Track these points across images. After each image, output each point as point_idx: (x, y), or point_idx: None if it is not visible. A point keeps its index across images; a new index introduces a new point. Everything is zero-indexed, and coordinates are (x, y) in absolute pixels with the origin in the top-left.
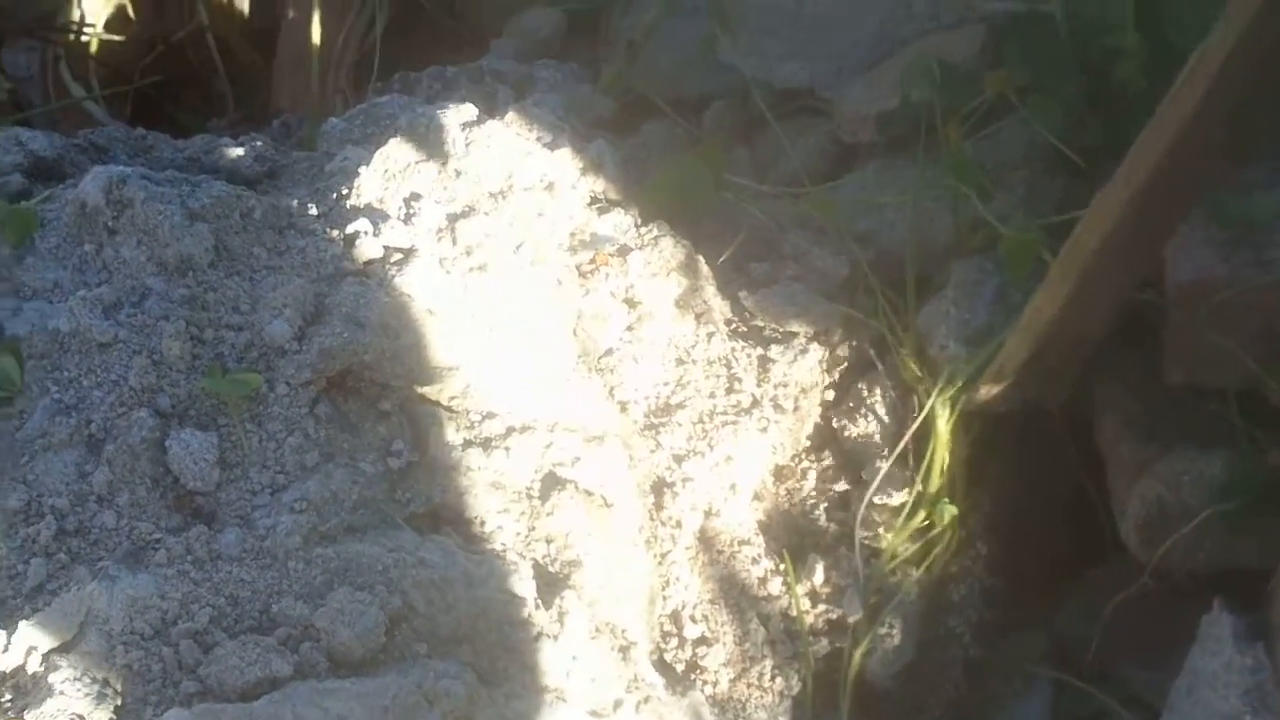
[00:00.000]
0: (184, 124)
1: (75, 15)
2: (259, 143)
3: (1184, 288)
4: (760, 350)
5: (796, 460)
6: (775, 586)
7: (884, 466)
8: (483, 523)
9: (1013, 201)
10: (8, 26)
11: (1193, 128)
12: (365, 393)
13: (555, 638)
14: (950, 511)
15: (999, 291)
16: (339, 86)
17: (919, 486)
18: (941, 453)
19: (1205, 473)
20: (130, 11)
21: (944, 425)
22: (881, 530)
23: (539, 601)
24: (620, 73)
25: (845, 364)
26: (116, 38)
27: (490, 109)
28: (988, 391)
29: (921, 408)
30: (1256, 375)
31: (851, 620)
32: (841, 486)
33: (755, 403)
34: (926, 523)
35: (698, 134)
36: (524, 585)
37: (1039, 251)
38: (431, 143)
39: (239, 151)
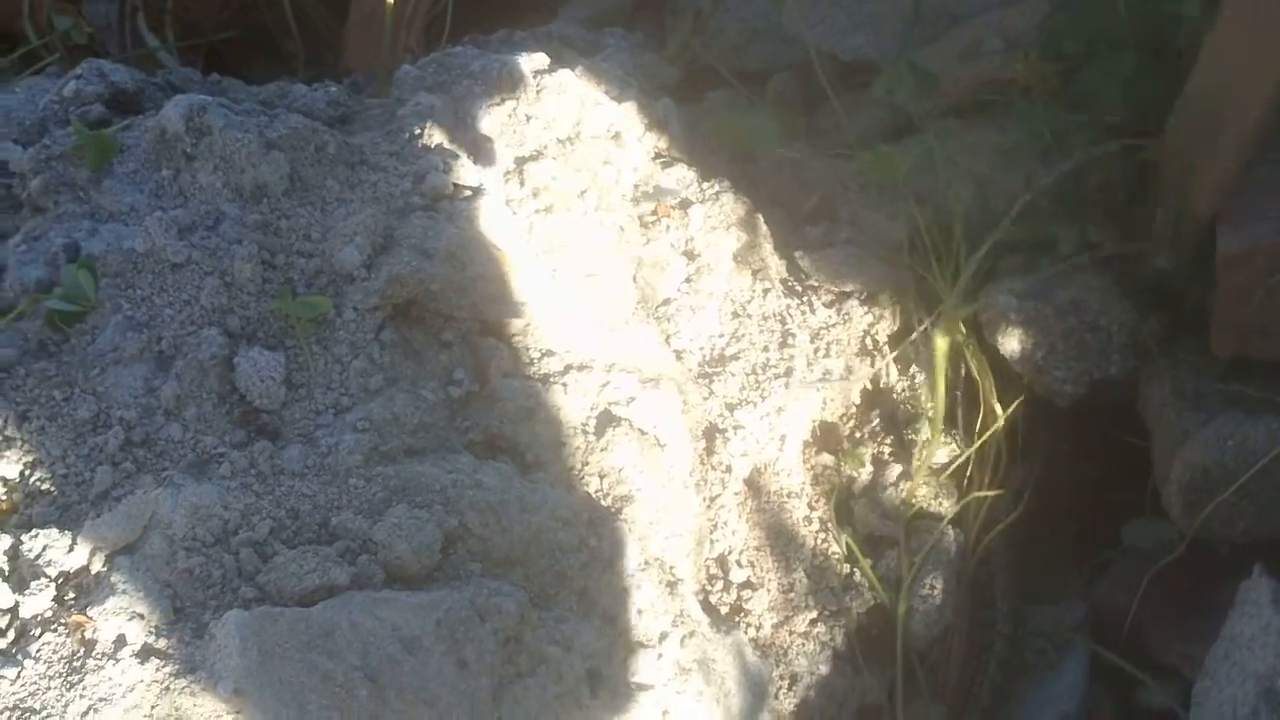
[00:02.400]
0: (256, 82)
1: None
2: (333, 88)
3: (1233, 258)
4: (814, 309)
5: (845, 418)
6: (820, 539)
7: (927, 428)
8: (538, 454)
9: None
10: None
11: None
12: (429, 323)
13: (605, 568)
14: None
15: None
16: (409, 47)
17: (964, 447)
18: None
19: (1249, 439)
20: None
21: (990, 387)
22: (926, 490)
23: (591, 531)
24: (686, 42)
25: (897, 326)
26: None
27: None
28: None
29: (969, 371)
30: None
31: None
32: (889, 445)
33: (808, 360)
34: (969, 483)
35: (761, 104)
36: (577, 514)
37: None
38: (504, 87)
39: (313, 95)
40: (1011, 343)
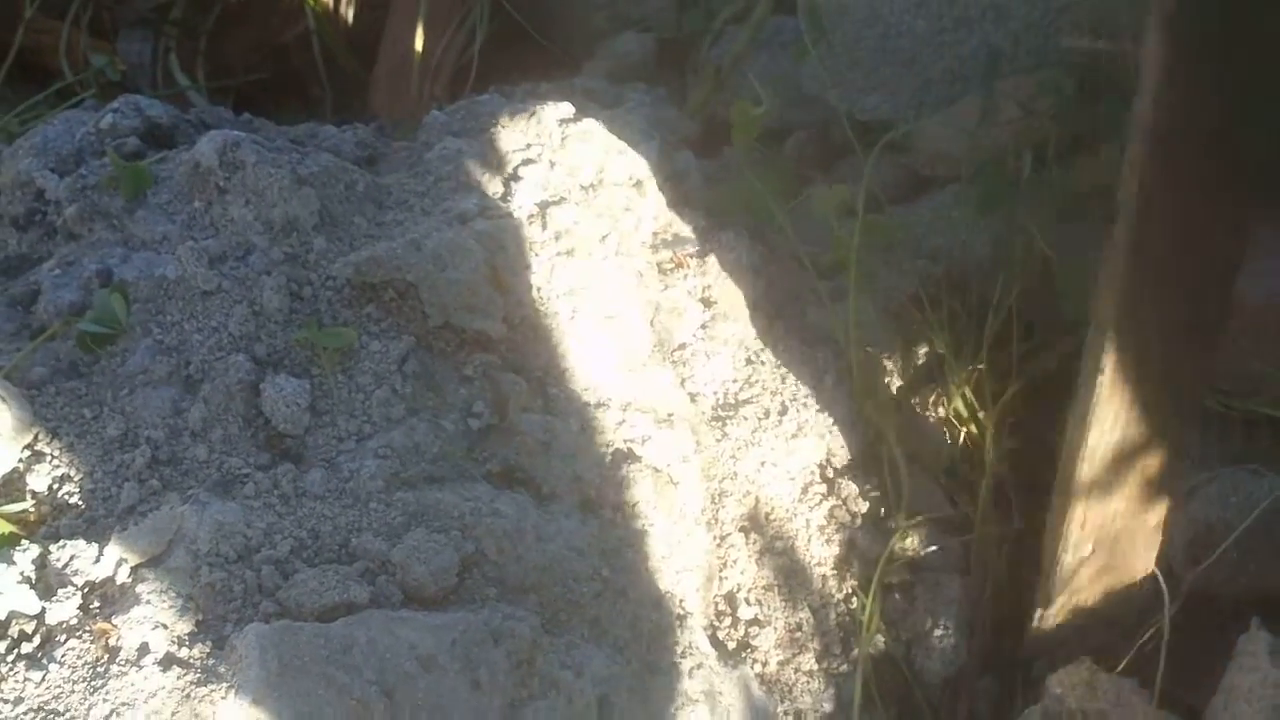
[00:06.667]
0: (284, 124)
1: (189, 11)
2: (361, 130)
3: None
4: (826, 358)
5: (853, 466)
6: (828, 580)
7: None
8: (554, 486)
9: (1085, 229)
10: (126, 15)
11: None
12: (452, 356)
13: (617, 598)
14: None
15: None
16: (435, 95)
17: (963, 499)
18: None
19: (1253, 496)
20: (241, 13)
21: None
22: (928, 538)
23: (604, 562)
24: (707, 97)
25: (906, 379)
26: (224, 37)
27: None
28: None
29: (972, 423)
30: None
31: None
32: (894, 493)
33: (818, 408)
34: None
35: (778, 161)
36: (591, 545)
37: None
38: (529, 134)
39: (341, 136)
40: None
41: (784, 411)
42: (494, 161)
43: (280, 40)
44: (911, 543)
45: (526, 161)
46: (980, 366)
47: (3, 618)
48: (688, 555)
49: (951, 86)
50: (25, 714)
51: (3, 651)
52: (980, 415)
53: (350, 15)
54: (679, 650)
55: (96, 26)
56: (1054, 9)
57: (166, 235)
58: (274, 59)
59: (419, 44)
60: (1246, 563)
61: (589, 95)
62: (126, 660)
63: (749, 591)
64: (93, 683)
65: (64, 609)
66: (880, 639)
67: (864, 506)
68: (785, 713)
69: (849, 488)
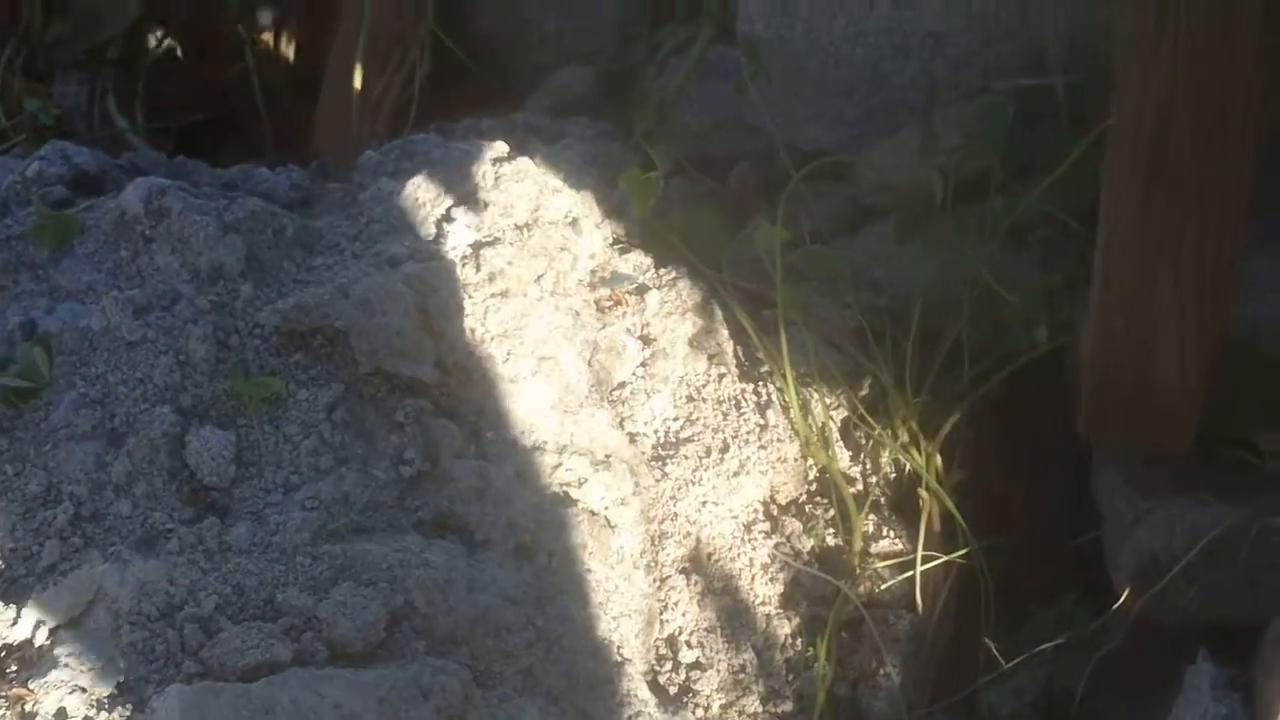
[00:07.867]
0: (227, 162)
1: (126, 52)
2: (295, 172)
3: None
4: (769, 393)
5: (798, 502)
6: (772, 621)
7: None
8: (488, 533)
9: (1031, 260)
10: (62, 58)
11: None
12: (382, 403)
13: (551, 647)
14: None
15: None
16: (376, 132)
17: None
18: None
19: (1198, 526)
20: (179, 52)
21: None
22: (874, 575)
23: (538, 611)
24: (649, 130)
25: (849, 412)
26: (163, 77)
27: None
28: None
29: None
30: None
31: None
32: (840, 528)
33: (761, 443)
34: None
35: (721, 192)
36: (525, 594)
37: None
38: (463, 175)
39: (275, 179)
40: None
41: (725, 449)
42: (426, 203)
43: (220, 79)
44: (864, 582)
45: (459, 202)
46: (925, 398)
47: None
48: (626, 600)
49: (893, 116)
50: None
51: None
52: (925, 446)
53: (291, 53)
54: (616, 699)
55: (31, 70)
56: (993, 36)
57: (92, 285)
58: (214, 98)
59: (358, 81)
60: (1190, 590)
61: (531, 130)
62: None
63: (690, 634)
64: None
65: None
66: (822, 678)
67: (809, 544)
68: None
69: (793, 525)
